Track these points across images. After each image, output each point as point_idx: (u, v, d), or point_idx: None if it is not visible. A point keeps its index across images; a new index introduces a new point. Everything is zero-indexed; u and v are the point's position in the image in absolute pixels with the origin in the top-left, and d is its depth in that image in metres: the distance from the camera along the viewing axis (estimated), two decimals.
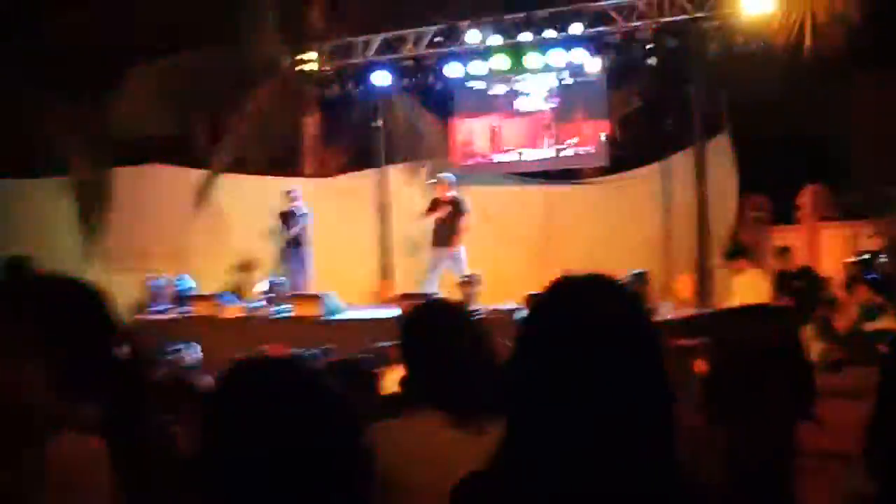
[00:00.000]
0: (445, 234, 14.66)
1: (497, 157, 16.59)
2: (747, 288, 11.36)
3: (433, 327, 3.04)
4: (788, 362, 2.88)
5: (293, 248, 15.76)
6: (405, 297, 13.59)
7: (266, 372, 1.87)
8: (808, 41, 13.29)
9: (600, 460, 1.75)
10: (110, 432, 2.50)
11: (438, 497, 1.92)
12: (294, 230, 15.72)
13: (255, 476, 1.73)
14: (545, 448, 1.79)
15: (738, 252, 12.31)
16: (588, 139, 15.76)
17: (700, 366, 8.68)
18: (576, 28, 14.66)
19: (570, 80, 15.77)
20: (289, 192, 15.97)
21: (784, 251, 13.25)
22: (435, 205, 14.83)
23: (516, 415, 1.86)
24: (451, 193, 14.87)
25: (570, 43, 14.84)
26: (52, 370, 2.48)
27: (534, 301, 1.94)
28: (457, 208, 14.66)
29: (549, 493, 1.76)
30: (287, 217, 15.81)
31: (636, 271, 12.56)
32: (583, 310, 1.85)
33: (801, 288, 11.65)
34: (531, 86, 16.16)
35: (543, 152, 16.18)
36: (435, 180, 15.30)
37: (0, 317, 2.57)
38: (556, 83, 15.93)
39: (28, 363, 2.48)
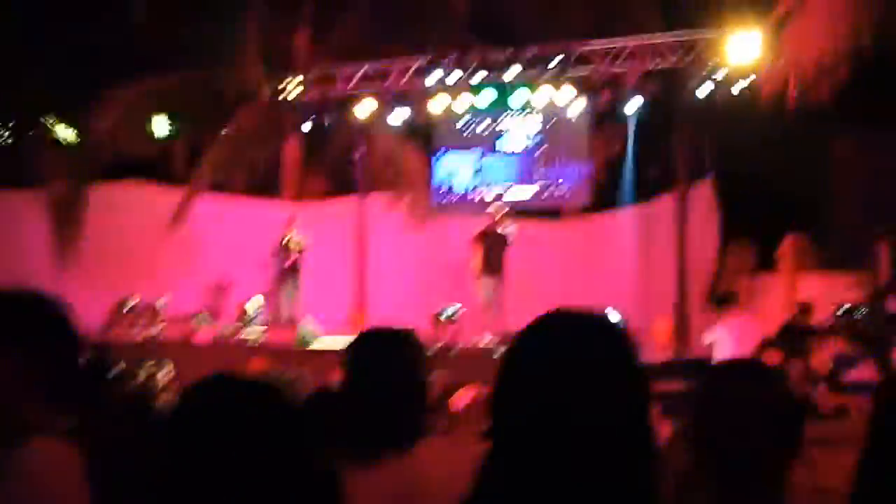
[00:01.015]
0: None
1: (476, 195, 16.52)
2: (734, 334, 11.30)
3: (361, 359, 2.94)
4: (779, 415, 2.79)
5: (291, 273, 15.55)
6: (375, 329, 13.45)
7: (223, 391, 1.84)
8: (792, 92, 13.31)
9: (582, 495, 1.71)
10: (82, 441, 2.49)
11: None
12: (294, 256, 15.51)
13: (210, 494, 1.72)
14: (525, 481, 1.73)
15: (727, 299, 12.26)
16: (569, 181, 15.73)
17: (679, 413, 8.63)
18: (562, 68, 14.64)
19: (552, 121, 15.74)
20: (290, 219, 15.77)
21: (806, 309, 12.80)
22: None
23: (499, 447, 1.79)
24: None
25: (555, 83, 14.82)
26: (22, 377, 2.49)
27: (523, 332, 1.84)
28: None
29: None
30: (286, 245, 15.60)
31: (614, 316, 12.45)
32: (574, 343, 1.79)
33: (799, 345, 11.52)
34: (514, 124, 16.14)
35: (523, 191, 16.14)
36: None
37: None
38: (538, 123, 15.91)
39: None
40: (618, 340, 1.82)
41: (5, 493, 2.33)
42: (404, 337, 3.00)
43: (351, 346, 2.99)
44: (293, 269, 15.50)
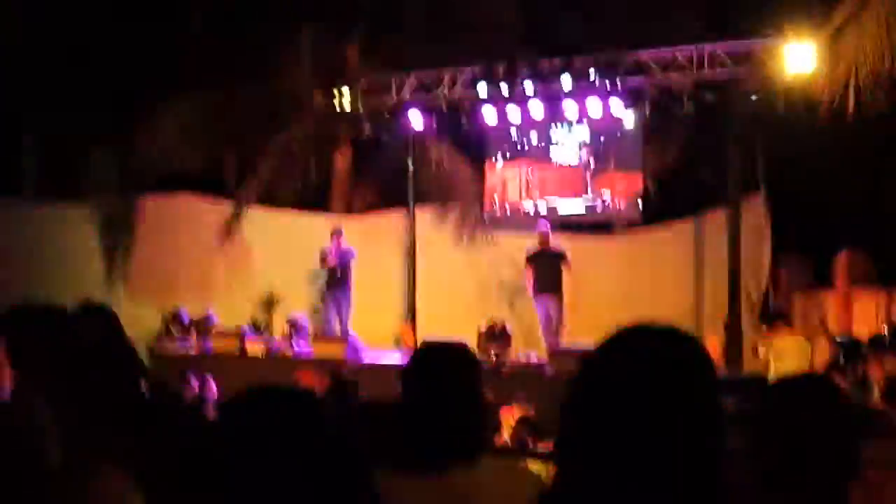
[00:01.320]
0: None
1: (528, 206, 16.41)
2: (785, 353, 11.09)
3: (419, 375, 2.96)
4: (840, 435, 2.73)
5: (340, 286, 15.51)
6: (427, 343, 13.39)
7: (263, 403, 1.83)
8: (850, 103, 13.08)
9: None
10: (140, 464, 2.55)
11: None
12: (342, 268, 15.46)
13: None
14: (598, 495, 1.71)
15: (780, 315, 12.05)
16: (620, 193, 15.58)
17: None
18: (613, 78, 14.52)
19: (604, 133, 15.61)
20: (336, 230, 15.74)
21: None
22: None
23: (570, 462, 1.78)
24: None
25: (606, 93, 14.70)
26: (83, 404, 2.61)
27: (603, 345, 1.81)
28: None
29: None
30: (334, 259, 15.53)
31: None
32: (656, 355, 1.77)
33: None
34: (565, 136, 16.02)
35: (575, 204, 16.01)
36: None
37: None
38: (590, 135, 15.78)
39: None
40: (699, 353, 1.80)
41: None
42: (462, 352, 3.05)
43: (412, 358, 3.02)
44: (342, 282, 15.44)
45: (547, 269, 14.29)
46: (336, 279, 15.43)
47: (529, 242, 15.67)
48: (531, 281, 14.41)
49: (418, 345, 12.86)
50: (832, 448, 2.65)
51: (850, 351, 11.40)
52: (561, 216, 16.24)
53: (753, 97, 13.83)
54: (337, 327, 15.30)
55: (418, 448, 2.82)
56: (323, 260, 15.45)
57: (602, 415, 1.74)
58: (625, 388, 1.73)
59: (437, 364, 2.98)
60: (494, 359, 13.02)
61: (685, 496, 1.69)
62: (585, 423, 1.76)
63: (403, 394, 2.94)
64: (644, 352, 1.77)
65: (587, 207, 15.91)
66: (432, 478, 2.75)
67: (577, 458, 1.76)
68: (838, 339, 11.82)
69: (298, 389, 1.92)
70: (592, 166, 15.82)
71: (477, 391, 2.97)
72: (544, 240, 14.51)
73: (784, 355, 11.04)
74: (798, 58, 13.32)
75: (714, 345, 14.07)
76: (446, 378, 2.93)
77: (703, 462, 1.72)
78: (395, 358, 14.32)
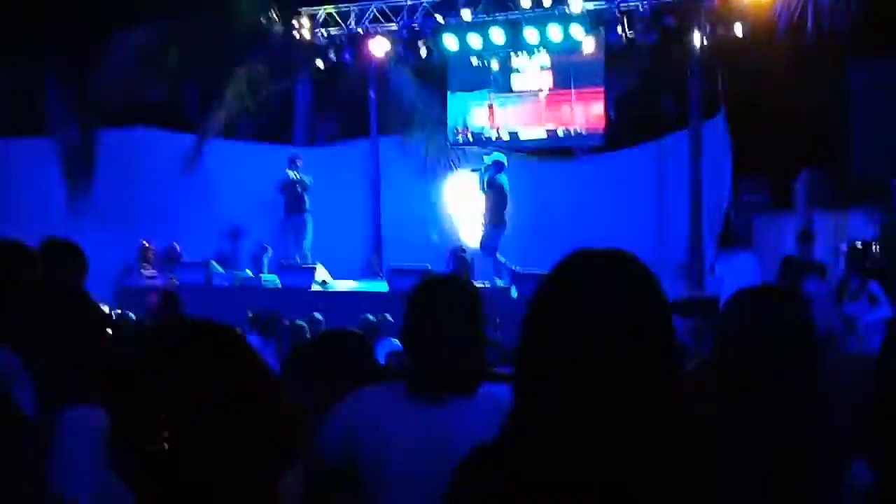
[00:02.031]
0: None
1: (491, 134, 16.43)
2: (744, 270, 11.28)
3: (429, 303, 3.02)
4: (801, 340, 2.82)
5: (297, 216, 15.54)
6: (395, 271, 13.50)
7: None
8: (809, 24, 13.16)
9: (612, 426, 1.75)
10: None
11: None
12: (299, 197, 15.49)
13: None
14: (555, 416, 1.78)
15: (739, 236, 12.22)
16: (582, 119, 15.61)
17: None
18: (574, 3, 14.49)
19: (565, 59, 15.58)
20: (293, 160, 15.72)
21: (807, 236, 12.58)
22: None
23: (528, 383, 1.84)
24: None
25: (567, 18, 14.68)
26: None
27: (553, 271, 1.88)
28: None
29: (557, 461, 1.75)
30: (291, 185, 15.56)
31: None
32: (603, 278, 1.83)
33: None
34: (526, 63, 15.99)
35: (537, 131, 16.03)
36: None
37: None
38: (550, 61, 15.75)
39: None
40: (644, 273, 1.86)
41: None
42: (464, 284, 3.15)
43: (417, 289, 3.07)
44: (301, 210, 15.47)
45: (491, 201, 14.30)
46: (293, 206, 15.44)
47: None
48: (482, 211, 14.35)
49: (388, 273, 12.91)
50: (796, 356, 2.72)
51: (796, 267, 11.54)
52: (522, 143, 16.29)
53: (713, 20, 13.84)
54: (299, 255, 15.32)
55: (419, 379, 2.94)
56: (283, 187, 15.46)
57: (551, 334, 1.81)
58: (571, 308, 1.80)
59: (443, 297, 3.03)
60: None
61: (635, 407, 1.76)
62: (538, 343, 1.83)
63: (407, 325, 3.03)
64: (588, 272, 1.84)
65: (548, 133, 15.93)
66: (432, 408, 2.88)
67: (533, 379, 1.83)
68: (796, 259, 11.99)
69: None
70: (553, 95, 15.79)
71: (479, 324, 3.04)
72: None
73: (741, 274, 11.21)
74: None
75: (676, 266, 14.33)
76: (452, 311, 2.99)
77: (651, 374, 1.78)
78: (361, 286, 14.41)
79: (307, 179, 15.54)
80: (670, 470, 1.77)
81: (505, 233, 13.78)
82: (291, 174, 15.45)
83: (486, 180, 13.78)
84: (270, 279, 14.55)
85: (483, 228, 13.89)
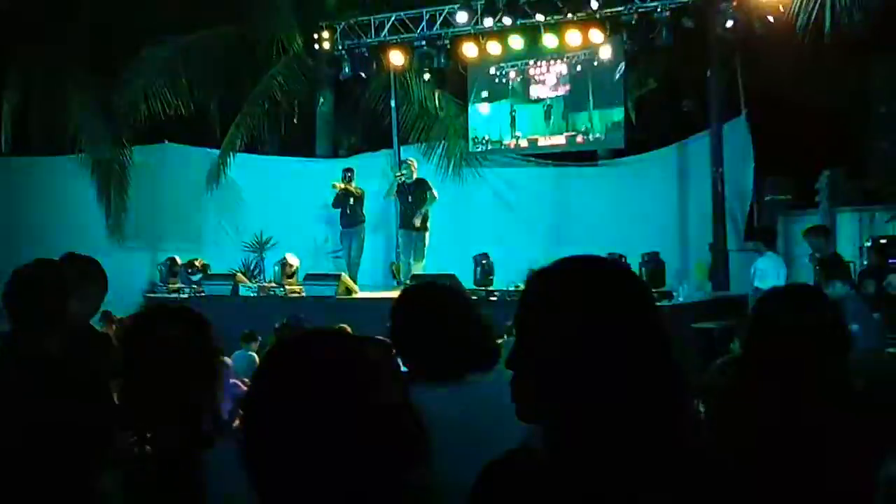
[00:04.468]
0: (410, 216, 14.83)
1: (511, 142, 16.49)
2: (767, 273, 11.26)
3: (418, 306, 3.27)
4: (831, 339, 2.84)
5: (354, 226, 15.77)
6: (416, 278, 13.54)
7: (311, 346, 1.76)
8: (828, 22, 13.12)
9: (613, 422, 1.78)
10: None
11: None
12: (353, 209, 15.75)
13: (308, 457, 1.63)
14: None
15: (764, 236, 12.18)
16: (601, 125, 15.61)
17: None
18: (592, 8, 14.49)
19: (583, 66, 15.60)
20: (346, 171, 15.91)
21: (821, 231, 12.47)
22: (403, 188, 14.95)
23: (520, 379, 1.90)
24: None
25: (585, 23, 14.68)
26: None
27: (528, 280, 1.96)
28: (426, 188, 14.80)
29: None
30: (344, 197, 15.73)
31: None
32: (581, 284, 1.88)
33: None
34: (544, 72, 16.03)
35: (557, 138, 16.06)
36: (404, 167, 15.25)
37: None
38: (568, 69, 15.79)
39: None
40: (630, 279, 1.92)
41: None
42: (449, 281, 3.40)
43: (405, 292, 3.42)
44: (356, 222, 15.80)
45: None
46: (348, 218, 15.77)
47: (512, 176, 15.88)
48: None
49: (408, 281, 13.01)
50: (823, 351, 2.75)
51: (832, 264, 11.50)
52: (542, 149, 16.35)
53: (731, 21, 13.80)
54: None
55: (436, 362, 3.09)
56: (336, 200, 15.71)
57: (534, 330, 1.89)
58: (547, 308, 1.87)
59: (429, 293, 3.34)
60: (483, 289, 13.19)
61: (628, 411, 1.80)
62: (523, 337, 1.92)
63: (397, 322, 3.26)
64: (567, 275, 1.91)
65: (567, 139, 15.95)
66: (452, 385, 3.01)
67: (523, 374, 1.90)
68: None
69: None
70: (571, 102, 15.82)
71: (470, 309, 3.27)
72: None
73: (768, 273, 11.19)
74: None
75: (701, 267, 14.30)
76: (440, 304, 3.23)
77: (648, 377, 1.82)
78: (385, 294, 14.46)
79: (359, 191, 15.78)
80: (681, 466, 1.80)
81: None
82: (344, 186, 15.70)
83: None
84: (295, 289, 14.63)
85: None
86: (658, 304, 1.96)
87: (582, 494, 1.78)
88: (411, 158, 15.52)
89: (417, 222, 14.56)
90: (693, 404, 1.96)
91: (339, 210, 15.77)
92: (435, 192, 14.74)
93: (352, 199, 15.75)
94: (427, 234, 14.64)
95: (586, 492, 1.78)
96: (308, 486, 1.62)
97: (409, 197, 14.81)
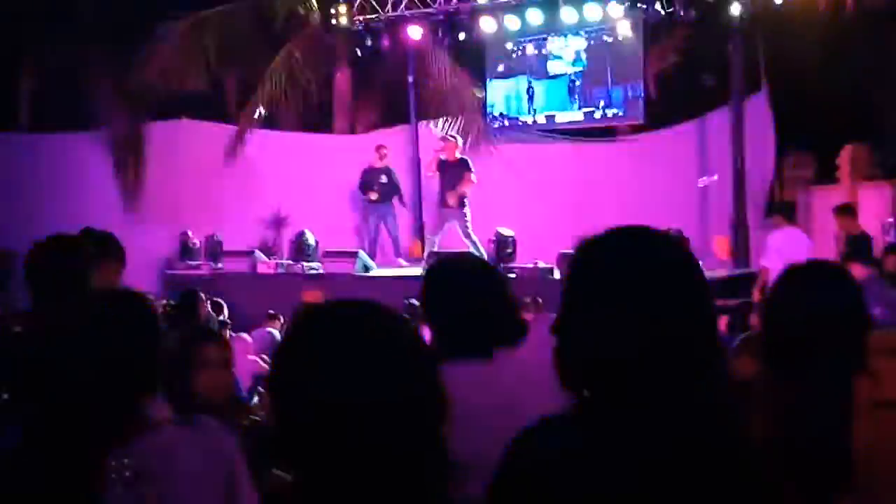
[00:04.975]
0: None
1: (529, 118, 16.41)
2: (782, 246, 11.16)
3: (448, 281, 3.28)
4: (851, 319, 2.79)
5: (384, 205, 15.81)
6: (433, 255, 13.52)
7: (344, 315, 1.75)
8: None
9: (660, 401, 1.81)
10: None
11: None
12: (389, 185, 15.86)
13: (340, 428, 1.64)
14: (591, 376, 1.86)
15: (777, 209, 12.10)
16: (620, 100, 15.52)
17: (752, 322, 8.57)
18: None
19: (601, 41, 15.49)
20: (379, 148, 15.96)
21: (848, 209, 12.35)
22: (443, 165, 14.71)
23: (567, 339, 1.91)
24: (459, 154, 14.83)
25: None
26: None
27: (586, 243, 1.97)
28: (465, 168, 14.56)
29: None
30: (376, 172, 15.77)
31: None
32: (637, 252, 1.90)
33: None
34: (562, 47, 15.93)
35: (575, 115, 15.98)
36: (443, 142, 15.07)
37: None
38: (586, 44, 15.68)
39: None
40: (678, 251, 1.94)
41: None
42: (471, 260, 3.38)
43: (431, 269, 3.42)
44: (389, 199, 15.93)
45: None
46: (382, 196, 15.81)
47: (531, 152, 15.79)
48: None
49: (427, 257, 12.98)
50: (840, 334, 2.71)
51: (859, 245, 11.46)
52: (559, 125, 16.28)
53: None
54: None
55: (463, 340, 3.08)
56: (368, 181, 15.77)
57: (583, 296, 1.91)
58: (605, 283, 1.88)
59: (453, 271, 3.35)
60: (503, 266, 13.15)
61: (679, 385, 1.82)
62: (572, 303, 1.93)
63: (425, 302, 3.26)
64: (620, 248, 1.92)
65: (589, 115, 15.86)
66: (480, 361, 3.02)
67: (570, 340, 1.91)
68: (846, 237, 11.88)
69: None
70: (590, 77, 15.72)
71: (500, 284, 3.30)
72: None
73: (786, 248, 11.09)
74: None
75: (723, 244, 14.20)
76: (471, 278, 3.24)
77: (696, 352, 1.84)
78: (404, 271, 14.45)
79: (390, 170, 15.90)
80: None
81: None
82: (378, 165, 15.83)
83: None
84: (314, 266, 14.64)
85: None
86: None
87: (623, 457, 1.79)
88: (452, 136, 15.35)
89: (452, 201, 14.39)
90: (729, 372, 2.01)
91: (368, 187, 15.76)
92: (474, 176, 14.52)
93: (385, 176, 15.78)
94: (466, 212, 14.41)
95: (627, 455, 1.79)
96: (340, 451, 1.63)
97: (447, 175, 14.68)
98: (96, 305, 2.76)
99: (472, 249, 13.87)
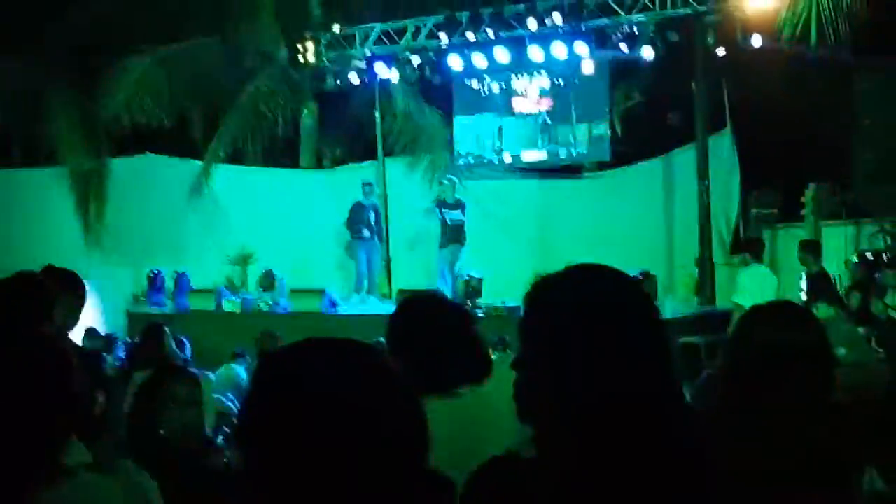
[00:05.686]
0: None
1: (494, 156, 16.49)
2: (752, 284, 11.22)
3: (415, 319, 3.26)
4: (815, 358, 2.81)
5: (370, 239, 15.86)
6: (402, 293, 13.46)
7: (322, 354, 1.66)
8: (813, 37, 13.16)
9: (610, 438, 1.81)
10: None
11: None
12: (372, 221, 15.94)
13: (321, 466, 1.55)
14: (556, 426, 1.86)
15: (750, 249, 12.17)
16: (585, 138, 15.64)
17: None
18: (577, 21, 14.45)
19: (565, 80, 15.64)
20: (366, 185, 16.02)
21: (811, 247, 12.51)
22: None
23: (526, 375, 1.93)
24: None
25: (571, 36, 14.64)
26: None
27: (535, 285, 2.00)
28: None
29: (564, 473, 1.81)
30: (365, 210, 15.87)
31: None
32: (585, 291, 1.93)
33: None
34: (526, 85, 16.04)
35: (540, 154, 16.10)
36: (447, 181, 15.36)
37: None
38: (551, 83, 15.81)
39: None
40: (633, 288, 1.98)
41: None
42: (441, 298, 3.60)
43: (400, 307, 3.39)
44: (373, 234, 16.00)
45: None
46: (371, 232, 15.93)
47: (497, 189, 15.88)
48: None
49: (397, 295, 12.96)
50: (805, 371, 2.71)
51: (817, 283, 11.54)
52: (526, 163, 16.37)
53: (716, 34, 13.81)
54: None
55: (429, 377, 2.99)
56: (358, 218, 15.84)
57: (537, 333, 1.94)
58: (550, 311, 1.93)
59: (423, 308, 3.35)
60: (469, 304, 13.13)
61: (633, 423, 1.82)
62: (528, 340, 1.95)
63: (394, 337, 3.24)
64: (573, 288, 1.94)
65: (554, 153, 15.97)
66: (447, 397, 3.00)
67: (526, 376, 1.93)
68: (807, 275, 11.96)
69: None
70: (555, 115, 15.85)
71: (467, 321, 3.33)
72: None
73: (751, 286, 11.15)
74: None
75: (687, 281, 14.27)
76: (431, 318, 3.24)
77: (654, 390, 1.86)
78: (371, 308, 14.39)
79: (377, 204, 16.11)
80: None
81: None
82: (364, 201, 15.93)
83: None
84: (280, 303, 14.55)
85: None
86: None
87: (565, 496, 1.80)
88: (451, 177, 15.62)
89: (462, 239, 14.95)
90: (687, 412, 2.01)
91: (359, 223, 15.80)
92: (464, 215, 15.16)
93: (373, 213, 15.91)
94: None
95: (570, 493, 1.80)
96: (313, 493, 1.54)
97: (449, 215, 14.97)
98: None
99: (446, 286, 13.97)
